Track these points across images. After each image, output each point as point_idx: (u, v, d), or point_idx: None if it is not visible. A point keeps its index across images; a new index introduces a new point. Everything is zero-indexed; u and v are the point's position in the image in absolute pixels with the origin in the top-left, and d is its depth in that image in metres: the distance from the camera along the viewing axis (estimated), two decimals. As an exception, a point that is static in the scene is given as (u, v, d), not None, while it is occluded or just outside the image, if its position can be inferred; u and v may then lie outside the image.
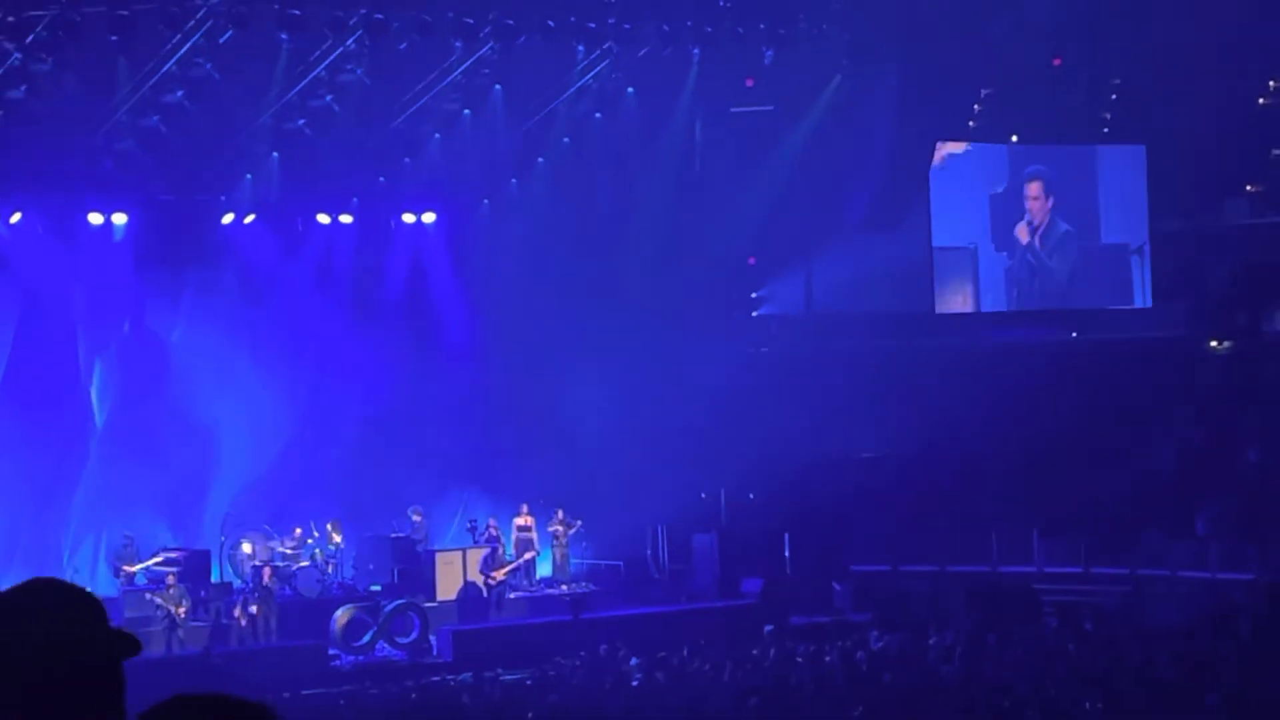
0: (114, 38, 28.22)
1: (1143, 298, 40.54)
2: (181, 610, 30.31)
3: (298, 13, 29.06)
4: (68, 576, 27.04)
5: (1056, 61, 38.72)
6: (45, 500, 33.16)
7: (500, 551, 33.98)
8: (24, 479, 32.86)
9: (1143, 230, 40.37)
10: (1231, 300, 40.60)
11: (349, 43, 30.17)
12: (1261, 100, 40.55)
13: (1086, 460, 37.22)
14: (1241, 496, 34.57)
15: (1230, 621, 26.91)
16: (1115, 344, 39.49)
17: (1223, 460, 36.09)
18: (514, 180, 36.50)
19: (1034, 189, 39.63)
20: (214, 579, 32.74)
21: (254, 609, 30.77)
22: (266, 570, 31.18)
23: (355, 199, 35.38)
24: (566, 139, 35.36)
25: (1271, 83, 40.53)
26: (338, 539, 33.83)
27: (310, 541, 33.58)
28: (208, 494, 34.34)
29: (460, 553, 33.96)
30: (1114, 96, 40.13)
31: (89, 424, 33.90)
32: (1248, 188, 41.47)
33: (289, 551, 33.28)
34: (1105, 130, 40.40)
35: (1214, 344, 40.80)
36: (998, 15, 36.31)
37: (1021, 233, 39.74)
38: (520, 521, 35.22)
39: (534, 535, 35.16)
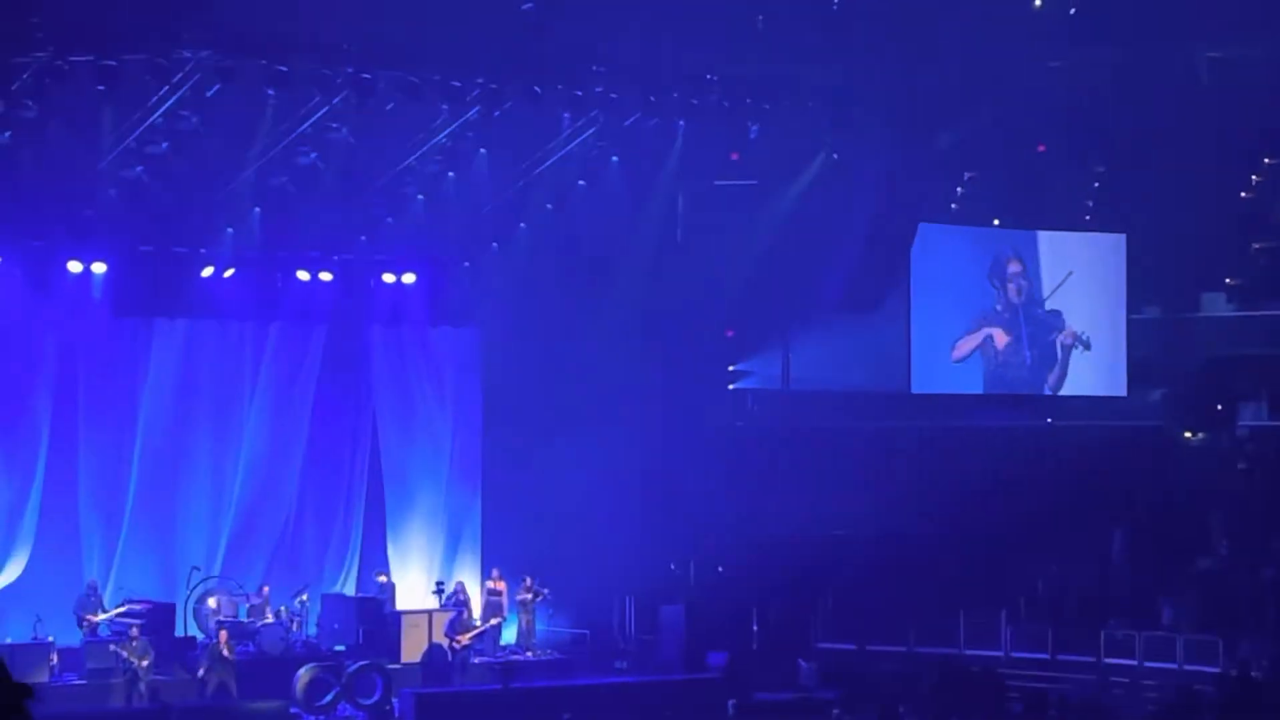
0: (100, 87, 28.20)
1: (1102, 387, 40.49)
2: (144, 663, 30.12)
3: (285, 69, 29.09)
4: (36, 625, 26.99)
5: (1041, 148, 38.86)
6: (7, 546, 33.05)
7: (467, 615, 33.85)
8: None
9: (1120, 319, 40.41)
10: (1207, 392, 40.67)
11: (335, 101, 30.19)
12: (1244, 194, 40.71)
13: (1056, 546, 37.22)
14: (1209, 588, 34.55)
15: (1195, 713, 26.86)
16: (1090, 431, 39.51)
17: (1192, 551, 36.07)
18: (495, 244, 36.52)
19: (1014, 266, 39.68)
20: (178, 633, 32.60)
21: (205, 674, 30.44)
22: (223, 635, 30.92)
23: (336, 257, 35.35)
24: (549, 205, 35.40)
25: (1254, 176, 40.68)
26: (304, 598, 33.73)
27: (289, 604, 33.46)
28: (176, 547, 34.18)
29: (427, 615, 33.84)
30: (1096, 185, 40.27)
31: (59, 472, 33.70)
32: (1227, 280, 41.59)
33: (255, 606, 33.17)
34: (1087, 218, 40.53)
35: (1188, 435, 40.85)
36: (984, 99, 36.45)
37: (998, 316, 39.76)
38: (492, 585, 35.13)
39: (504, 600, 35.06)
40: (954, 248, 39.39)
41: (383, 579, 34.87)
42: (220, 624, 31.82)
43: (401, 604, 34.76)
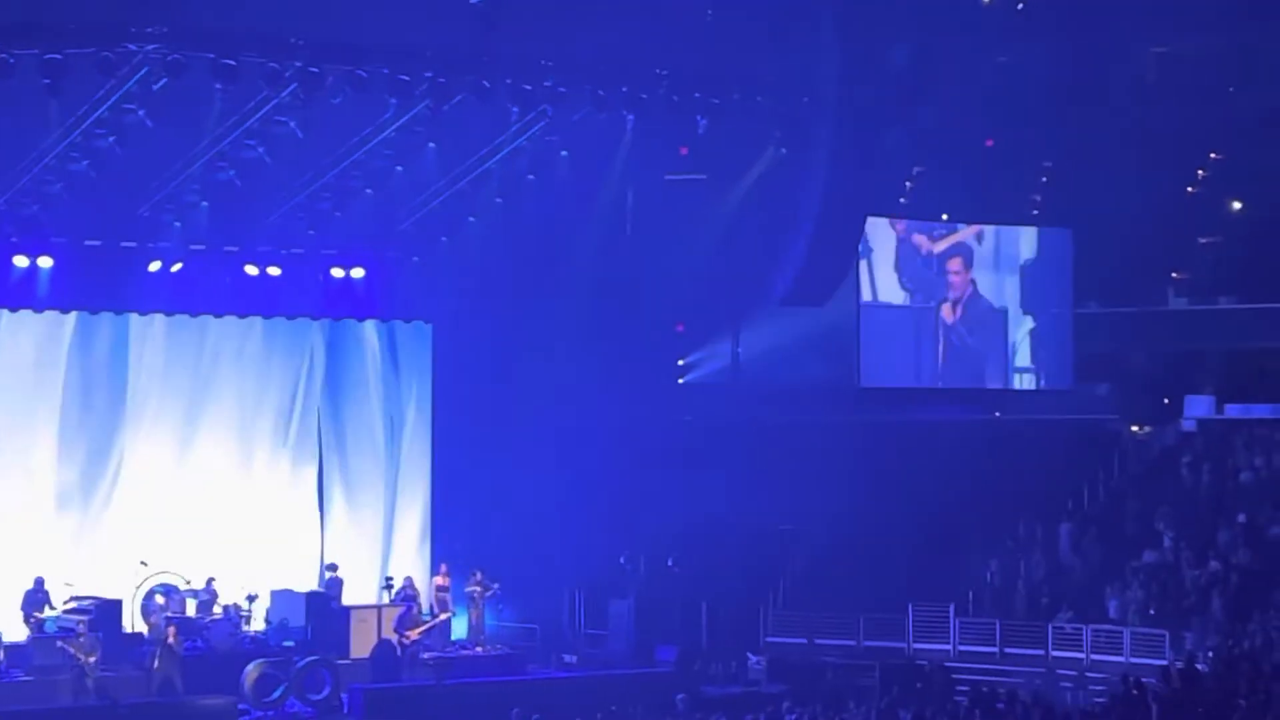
0: (46, 80, 28.02)
1: (1043, 381, 40.61)
2: (91, 659, 30.01)
3: (232, 63, 28.94)
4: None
5: (989, 142, 38.98)
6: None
7: (416, 610, 33.80)
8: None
9: (1067, 312, 40.55)
10: (1154, 386, 40.88)
11: (283, 95, 30.05)
12: (1190, 188, 40.92)
13: (1004, 540, 37.36)
14: (1155, 581, 34.71)
15: (1142, 705, 26.97)
16: (1038, 425, 39.66)
17: (1137, 545, 36.23)
18: (445, 238, 36.45)
19: (955, 264, 39.78)
20: (126, 629, 32.47)
21: (155, 664, 30.40)
22: (171, 630, 30.84)
23: (284, 251, 35.24)
24: (499, 199, 35.33)
25: (1200, 171, 40.91)
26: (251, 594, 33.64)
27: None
28: (123, 543, 34.04)
29: (376, 610, 33.78)
30: (1044, 179, 40.43)
31: (10, 467, 33.56)
32: (1174, 275, 41.81)
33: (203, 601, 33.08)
34: (1035, 212, 40.67)
35: (1135, 429, 41.05)
36: (932, 94, 36.55)
37: (945, 310, 39.86)
38: (439, 581, 35.09)
39: (449, 595, 35.03)
40: (902, 239, 39.45)
41: (331, 574, 34.79)
42: (169, 620, 31.70)
43: (350, 599, 34.67)
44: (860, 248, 38.18)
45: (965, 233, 39.90)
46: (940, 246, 39.68)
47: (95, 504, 34.19)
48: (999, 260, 40.25)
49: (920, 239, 39.52)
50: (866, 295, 39.03)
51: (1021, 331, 40.29)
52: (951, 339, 39.90)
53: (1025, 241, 40.32)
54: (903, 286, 39.49)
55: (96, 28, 28.16)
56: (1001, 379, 40.47)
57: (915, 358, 39.76)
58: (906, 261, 39.48)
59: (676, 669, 33.84)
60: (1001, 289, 40.23)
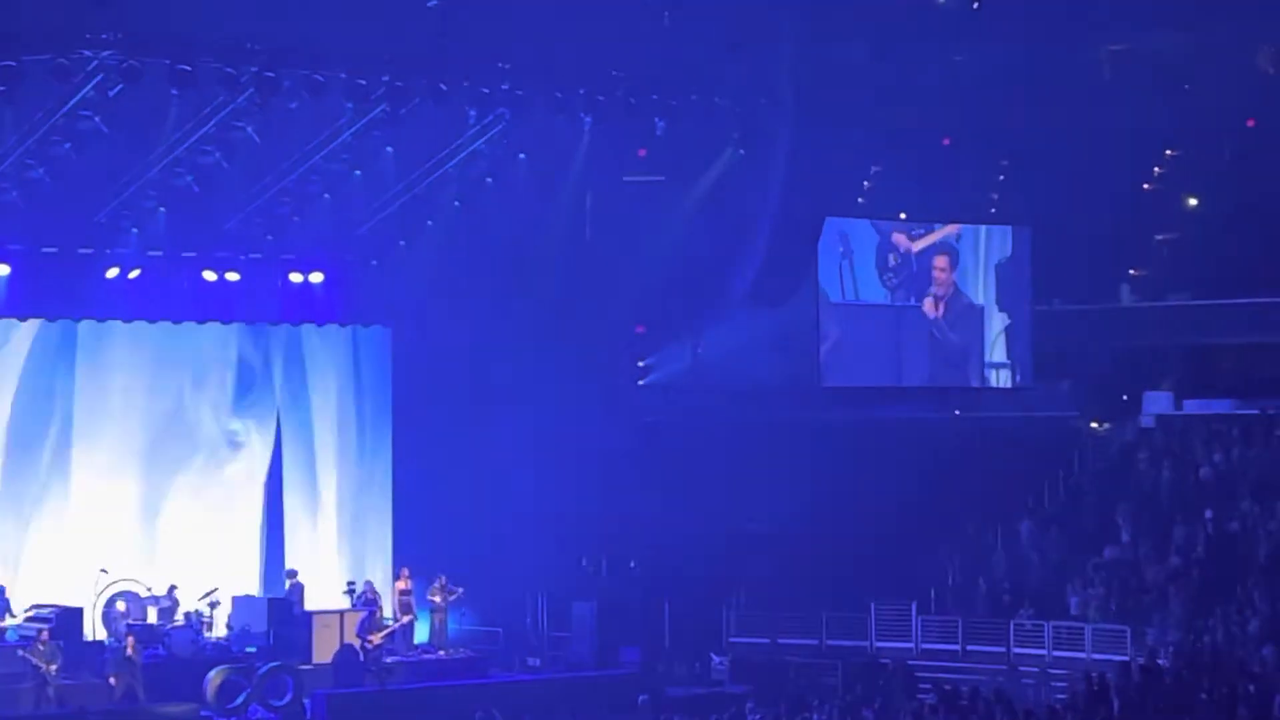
0: (1, 87, 27.93)
1: (1018, 377, 40.69)
2: (53, 668, 29.89)
3: (188, 68, 28.87)
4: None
5: (946, 141, 39.08)
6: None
7: (379, 614, 33.75)
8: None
9: (1024, 310, 40.61)
10: (1113, 383, 41.01)
11: (239, 100, 30.01)
12: (1146, 185, 41.10)
13: (965, 538, 37.46)
14: (1116, 577, 34.84)
15: (1102, 701, 27.05)
16: (998, 422, 39.77)
17: (1098, 541, 36.36)
18: (403, 242, 36.40)
19: (940, 262, 39.81)
20: (87, 637, 32.35)
21: (112, 679, 30.31)
22: (130, 640, 30.75)
23: (243, 256, 35.15)
24: (457, 203, 35.32)
25: (1157, 169, 41.09)
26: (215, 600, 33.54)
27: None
28: (83, 550, 33.91)
29: (338, 615, 33.70)
30: (1001, 178, 40.55)
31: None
32: (1132, 271, 41.97)
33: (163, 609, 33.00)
34: (992, 210, 40.78)
35: (1095, 425, 41.18)
36: (889, 93, 36.63)
37: (928, 305, 39.87)
38: (400, 585, 35.02)
39: (413, 599, 34.97)
40: (883, 238, 39.46)
41: (291, 580, 34.69)
42: (129, 627, 31.60)
43: (311, 605, 34.58)
44: (841, 248, 38.31)
45: (945, 231, 39.91)
46: (920, 245, 39.68)
47: (50, 511, 34.02)
48: (975, 258, 40.26)
49: (900, 238, 39.52)
50: (848, 294, 39.00)
51: (997, 328, 40.32)
52: (935, 335, 39.92)
53: (1000, 239, 40.31)
54: (884, 284, 39.49)
55: (52, 34, 28.07)
56: (979, 376, 40.46)
57: (897, 355, 39.75)
58: (887, 260, 39.45)
59: (640, 670, 33.87)
60: (979, 286, 40.23)
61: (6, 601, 32.10)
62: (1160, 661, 29.64)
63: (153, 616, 32.91)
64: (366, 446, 37.18)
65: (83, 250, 33.67)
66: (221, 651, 32.68)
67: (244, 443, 36.00)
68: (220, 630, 33.46)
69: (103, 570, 33.21)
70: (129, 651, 30.45)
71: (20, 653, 30.24)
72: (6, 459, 33.76)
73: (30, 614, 31.82)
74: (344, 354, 37.08)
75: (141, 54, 28.53)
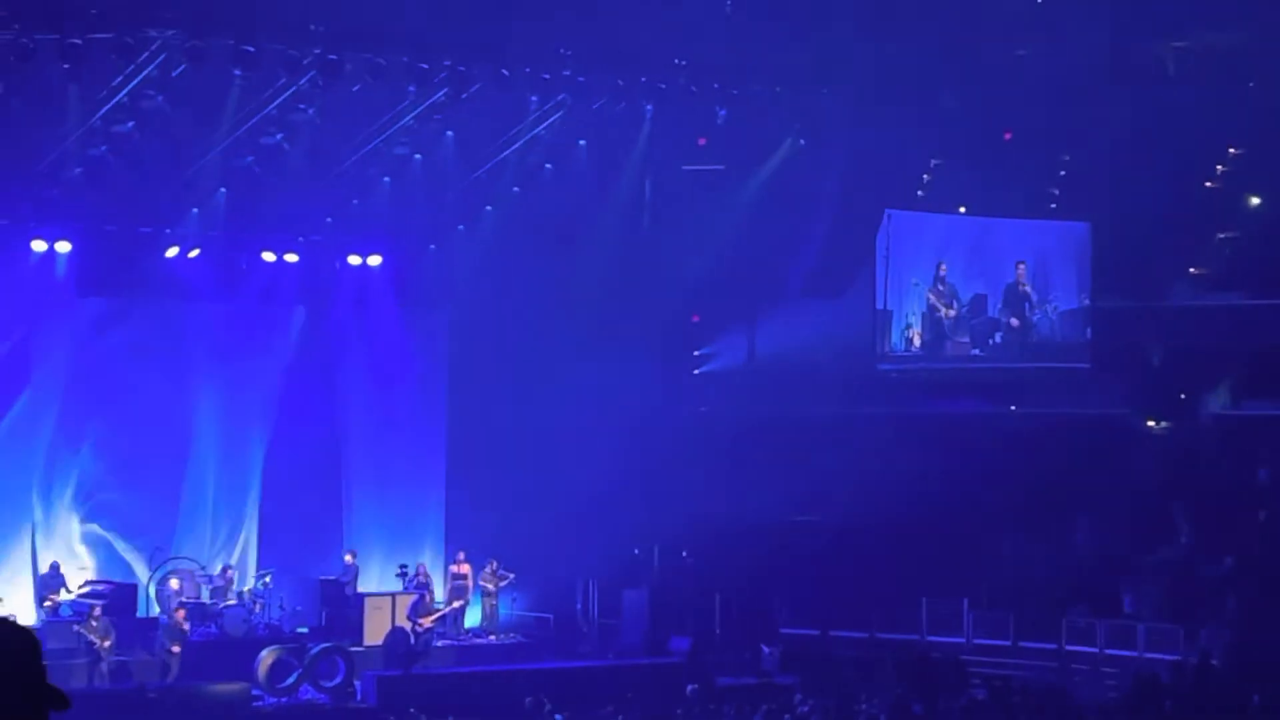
0: (66, 66, 28.05)
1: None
2: (106, 643, 30.09)
3: (252, 49, 28.97)
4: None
5: (1007, 135, 38.91)
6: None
7: (429, 598, 33.84)
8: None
9: (1083, 306, 40.49)
10: (1170, 381, 40.80)
11: (302, 82, 30.09)
12: (1208, 183, 40.85)
13: (1019, 534, 37.34)
14: (1170, 577, 34.69)
15: (1155, 701, 26.96)
16: (1053, 419, 39.61)
17: (1153, 540, 36.21)
18: (461, 227, 36.47)
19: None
20: (140, 613, 32.54)
21: (175, 648, 30.55)
22: (180, 613, 30.97)
23: (301, 238, 35.28)
24: (516, 188, 35.35)
25: (1219, 166, 40.82)
26: (267, 580, 33.69)
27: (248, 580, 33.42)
28: (139, 527, 34.09)
29: (390, 598, 33.80)
30: (1062, 173, 40.36)
31: (20, 452, 33.59)
32: (1191, 269, 41.74)
33: (218, 588, 33.15)
34: (1052, 206, 40.61)
35: (1151, 423, 40.99)
36: (951, 87, 36.50)
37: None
38: (455, 569, 35.09)
39: (469, 584, 35.07)
40: (917, 235, 39.39)
41: (349, 559, 34.81)
42: (182, 604, 31.77)
43: (364, 586, 34.71)
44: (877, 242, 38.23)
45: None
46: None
47: (107, 488, 34.19)
48: (1016, 253, 40.15)
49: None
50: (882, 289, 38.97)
51: (1048, 321, 40.21)
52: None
53: (1060, 234, 40.18)
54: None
55: (117, 13, 28.19)
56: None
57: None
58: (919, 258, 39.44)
59: (689, 659, 33.83)
60: (1030, 278, 40.12)
61: (62, 577, 32.30)
62: (1213, 661, 29.52)
63: (206, 595, 33.07)
64: (421, 430, 37.25)
65: (143, 229, 33.82)
66: (273, 631, 32.83)
67: (302, 424, 36.06)
68: (273, 610, 33.59)
69: (158, 548, 33.40)
70: (183, 626, 30.70)
71: (75, 628, 30.43)
72: (64, 435, 33.92)
73: (85, 590, 32.01)
74: (400, 337, 37.14)
75: (205, 34, 28.64)
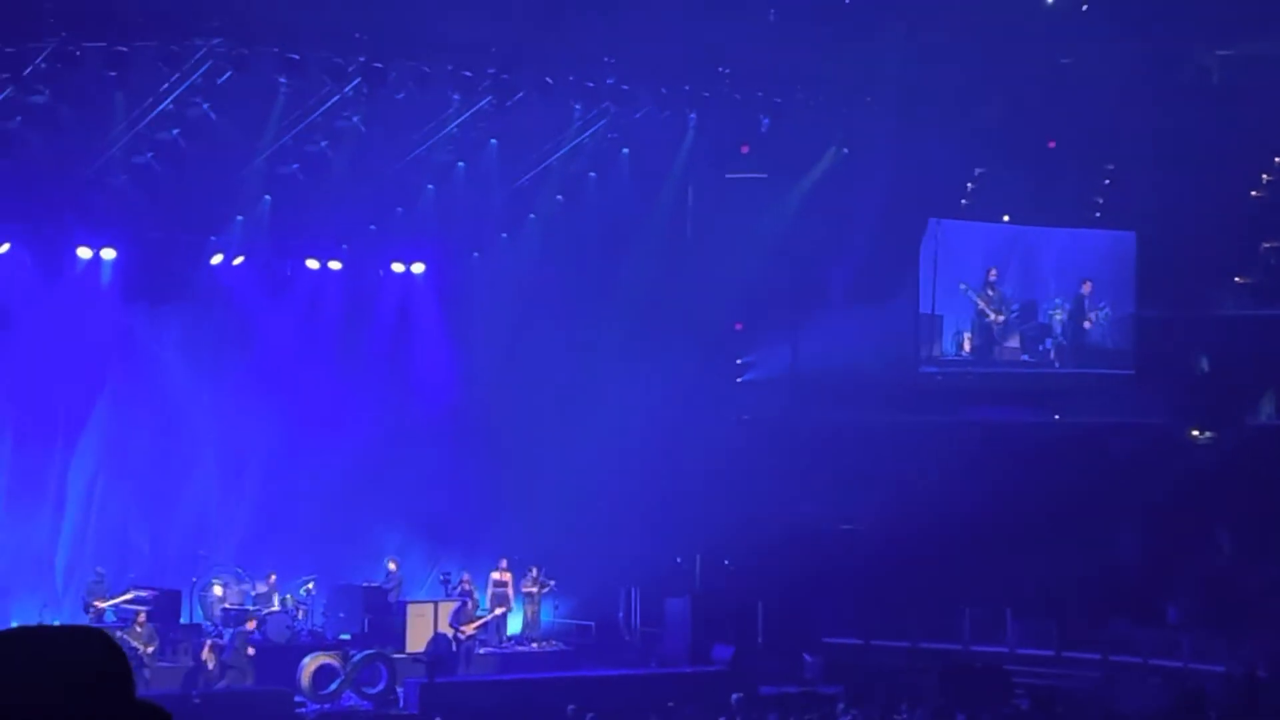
0: (112, 73, 28.19)
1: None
2: (150, 649, 30.18)
3: (297, 57, 29.09)
4: (41, 611, 27.08)
5: (1051, 144, 38.82)
6: (29, 534, 33.07)
7: (471, 605, 33.85)
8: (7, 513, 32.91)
9: (1128, 315, 40.40)
10: (1215, 391, 40.65)
11: (347, 90, 30.20)
12: (1254, 193, 40.68)
13: (1062, 543, 37.20)
14: (1215, 588, 34.54)
15: (1199, 712, 26.86)
16: (1097, 428, 39.48)
17: (1198, 550, 36.06)
18: (505, 235, 36.53)
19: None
20: (184, 620, 32.63)
21: (250, 651, 30.71)
22: (251, 622, 31.19)
23: (345, 246, 35.37)
24: (560, 196, 35.41)
25: (1265, 176, 40.66)
26: (310, 587, 33.75)
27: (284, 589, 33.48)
28: (183, 534, 34.19)
29: (432, 605, 33.83)
30: (1107, 181, 40.24)
31: (71, 457, 33.74)
32: (1236, 279, 41.57)
33: (260, 594, 33.22)
34: (1097, 215, 40.49)
35: (1196, 433, 40.83)
36: (994, 96, 36.44)
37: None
38: (497, 576, 35.10)
39: (510, 591, 35.07)
40: (963, 243, 39.31)
41: (392, 566, 34.85)
42: (226, 613, 31.85)
43: (406, 594, 34.75)
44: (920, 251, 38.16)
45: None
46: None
47: (152, 493, 34.30)
48: (1062, 263, 40.07)
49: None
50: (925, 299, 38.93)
51: (1100, 328, 40.13)
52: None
53: (1094, 242, 40.10)
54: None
55: (162, 21, 28.32)
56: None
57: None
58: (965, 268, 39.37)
59: (732, 668, 33.80)
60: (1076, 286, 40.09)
61: (107, 583, 32.39)
62: (1259, 673, 29.38)
63: (249, 601, 33.13)
64: (465, 438, 37.27)
65: (188, 236, 33.94)
66: (316, 638, 32.90)
67: (346, 432, 36.14)
68: (316, 617, 33.66)
69: (201, 554, 33.50)
70: (249, 650, 30.85)
71: (118, 633, 30.49)
72: (108, 442, 34.05)
73: (129, 595, 32.12)
74: (443, 345, 37.18)
75: (250, 42, 28.77)
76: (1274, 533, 35.67)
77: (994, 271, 39.15)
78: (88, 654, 4.29)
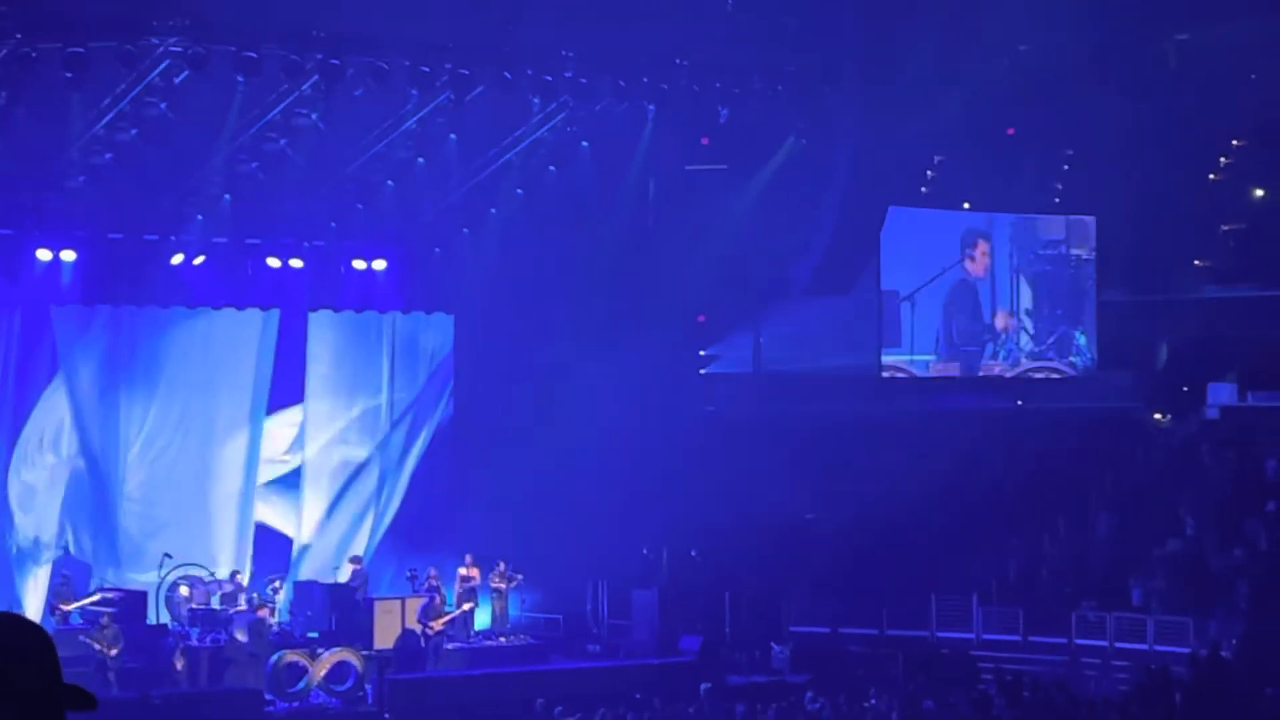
0: (68, 74, 28.09)
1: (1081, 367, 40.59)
2: (114, 651, 30.08)
3: (254, 55, 29.00)
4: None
5: (1010, 131, 38.93)
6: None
7: (439, 601, 33.83)
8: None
9: (1089, 300, 40.55)
10: (1176, 374, 40.82)
11: (304, 87, 30.13)
12: (1212, 175, 40.87)
13: (1027, 529, 37.34)
14: (1179, 569, 34.67)
15: (1165, 693, 26.97)
16: (1060, 414, 39.60)
17: (1161, 533, 36.20)
18: (466, 230, 36.48)
19: (981, 248, 39.74)
20: (150, 621, 32.56)
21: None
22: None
23: (306, 243, 35.28)
24: (520, 191, 35.36)
25: (1222, 159, 40.85)
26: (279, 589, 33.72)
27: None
28: (148, 534, 34.13)
29: (399, 601, 33.80)
30: (1066, 167, 40.37)
31: (30, 455, 33.67)
32: (1196, 262, 41.74)
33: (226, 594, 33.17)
34: (1056, 200, 40.61)
35: (1159, 416, 41.00)
36: (953, 83, 36.49)
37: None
38: (464, 571, 35.06)
39: (477, 585, 35.04)
40: (924, 230, 39.42)
41: (354, 566, 34.80)
42: (193, 613, 31.80)
43: (373, 591, 34.70)
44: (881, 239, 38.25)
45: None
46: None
47: (116, 494, 34.23)
48: (1022, 248, 40.20)
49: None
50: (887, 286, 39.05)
51: (1052, 316, 40.28)
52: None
53: (1053, 227, 40.23)
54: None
55: (118, 20, 28.25)
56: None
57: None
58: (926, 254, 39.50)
59: (700, 659, 33.84)
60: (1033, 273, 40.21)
61: (73, 586, 32.29)
62: (1223, 654, 29.51)
63: (215, 601, 33.07)
64: (428, 433, 37.26)
65: (148, 236, 33.85)
66: (284, 637, 32.84)
67: (305, 429, 36.13)
68: (282, 616, 33.60)
69: (166, 555, 33.42)
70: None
71: (81, 637, 30.43)
72: (80, 445, 33.96)
73: (95, 597, 32.04)
74: (406, 341, 37.16)
75: (207, 41, 28.68)
76: (1237, 513, 35.83)
77: (963, 261, 39.34)
78: (8, 635, 4.33)
